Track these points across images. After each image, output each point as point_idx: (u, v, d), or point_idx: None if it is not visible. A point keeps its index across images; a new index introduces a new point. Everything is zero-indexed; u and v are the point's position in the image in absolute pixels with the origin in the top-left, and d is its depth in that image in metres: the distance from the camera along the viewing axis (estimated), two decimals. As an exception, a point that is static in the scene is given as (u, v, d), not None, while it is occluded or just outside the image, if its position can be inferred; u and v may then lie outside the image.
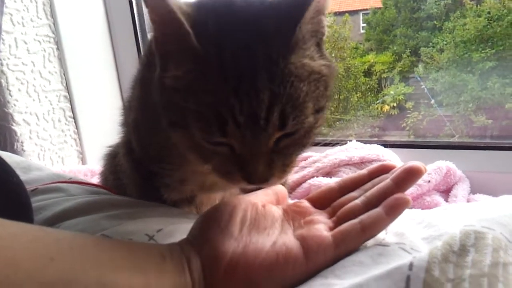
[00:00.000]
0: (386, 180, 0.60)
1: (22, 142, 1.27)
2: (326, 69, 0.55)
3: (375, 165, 0.66)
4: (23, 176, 0.89)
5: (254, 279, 0.52)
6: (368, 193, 0.60)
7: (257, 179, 0.54)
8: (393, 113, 2.26)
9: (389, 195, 0.56)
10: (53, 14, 1.31)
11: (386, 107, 2.29)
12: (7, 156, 0.93)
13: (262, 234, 0.56)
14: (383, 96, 2.35)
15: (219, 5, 0.55)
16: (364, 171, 0.66)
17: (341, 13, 2.62)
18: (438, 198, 0.99)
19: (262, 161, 0.53)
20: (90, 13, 1.42)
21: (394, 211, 0.55)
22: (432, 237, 0.55)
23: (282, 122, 0.51)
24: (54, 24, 1.32)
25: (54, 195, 0.82)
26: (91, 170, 1.31)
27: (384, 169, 0.64)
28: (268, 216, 0.59)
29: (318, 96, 0.54)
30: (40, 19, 1.29)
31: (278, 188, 0.67)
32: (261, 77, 0.49)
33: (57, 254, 0.44)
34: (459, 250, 0.46)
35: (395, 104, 2.26)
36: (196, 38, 0.50)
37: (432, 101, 2.05)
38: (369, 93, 2.43)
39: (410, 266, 0.46)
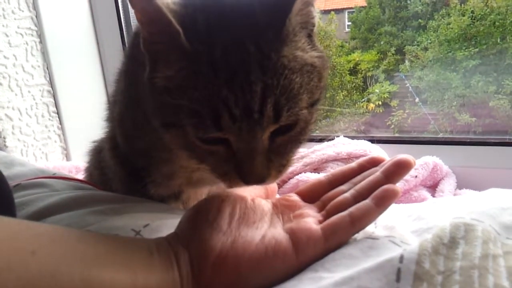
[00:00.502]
0: (375, 173, 0.60)
1: (4, 138, 1.25)
2: (318, 61, 0.55)
3: (364, 158, 0.65)
4: (5, 172, 0.87)
5: (243, 273, 0.51)
6: (358, 186, 0.60)
7: (254, 179, 0.54)
8: (378, 111, 2.27)
9: (378, 187, 0.56)
10: (35, 6, 1.29)
11: (372, 105, 2.30)
12: (-11, 151, 0.91)
13: (251, 228, 0.55)
14: (369, 94, 2.36)
15: (207, 1, 0.55)
16: (353, 164, 0.65)
17: (326, 11, 2.63)
18: (425, 193, 1.00)
19: (259, 160, 0.52)
20: (74, 6, 1.40)
21: (383, 202, 0.54)
22: (421, 230, 0.55)
23: (276, 114, 0.50)
24: (36, 16, 1.30)
25: (38, 191, 0.80)
26: (76, 166, 1.29)
27: (374, 162, 0.63)
28: (257, 210, 0.58)
29: (312, 88, 0.53)
30: (22, 11, 1.27)
31: None
32: (253, 70, 0.49)
33: (39, 247, 0.43)
34: (449, 243, 0.46)
35: (380, 102, 2.27)
36: (185, 36, 0.50)
37: (417, 99, 2.06)
38: (355, 91, 2.44)
39: (401, 258, 0.46)
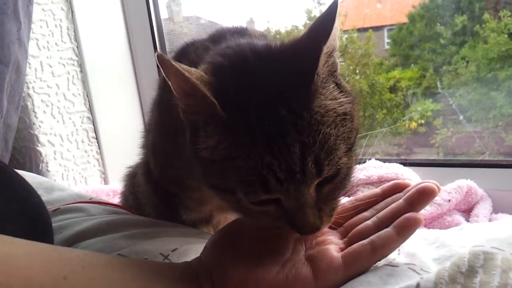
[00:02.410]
0: (398, 201, 0.59)
1: (47, 163, 1.31)
2: (349, 106, 0.55)
3: (389, 183, 0.65)
4: (45, 197, 0.92)
5: None
6: (380, 214, 0.60)
7: (309, 229, 0.53)
8: (421, 130, 2.22)
9: (401, 215, 0.56)
10: (76, 38, 1.36)
11: (414, 124, 2.25)
12: (30, 177, 0.96)
13: (272, 255, 0.56)
14: (410, 112, 2.32)
15: (235, 65, 0.55)
16: (377, 189, 0.65)
17: (364, 29, 2.61)
18: (459, 217, 0.97)
19: (310, 213, 0.52)
20: (112, 36, 1.46)
21: (405, 231, 0.54)
22: (443, 257, 0.55)
23: (318, 169, 0.50)
24: (77, 47, 1.37)
25: (75, 215, 0.84)
26: (113, 190, 1.34)
27: (398, 188, 0.63)
28: (280, 237, 0.58)
29: (348, 134, 0.53)
30: (65, 43, 1.34)
31: None
32: (289, 132, 0.49)
33: (70, 273, 0.45)
34: (467, 271, 0.45)
35: (423, 121, 2.23)
36: (221, 107, 0.50)
37: (461, 117, 2.01)
38: (395, 109, 2.40)
39: (417, 286, 0.45)
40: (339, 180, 0.54)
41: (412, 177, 1.07)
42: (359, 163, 1.13)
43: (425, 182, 0.58)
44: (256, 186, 0.50)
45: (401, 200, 0.59)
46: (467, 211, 1.01)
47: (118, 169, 1.05)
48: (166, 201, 0.82)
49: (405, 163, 1.11)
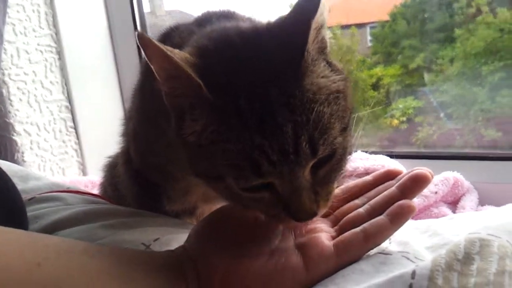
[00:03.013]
0: (391, 188, 0.58)
1: (22, 153, 1.26)
2: (342, 84, 0.52)
3: (380, 171, 0.63)
4: (20, 185, 0.88)
5: None
6: (372, 201, 0.58)
7: (305, 215, 0.50)
8: (402, 127, 2.23)
9: (394, 203, 0.54)
10: (55, 24, 1.31)
11: (396, 121, 2.26)
12: (5, 165, 0.92)
13: (260, 243, 0.54)
14: (392, 110, 2.33)
15: (221, 48, 0.52)
16: (369, 177, 0.64)
17: (347, 26, 2.61)
18: (445, 209, 0.97)
19: (306, 196, 0.49)
20: (92, 24, 1.42)
21: (398, 219, 0.52)
22: (437, 245, 0.53)
23: (312, 149, 0.48)
24: (56, 34, 1.32)
25: (51, 204, 0.80)
26: (92, 181, 1.30)
27: (390, 175, 0.61)
28: (268, 224, 0.56)
29: (342, 113, 0.51)
30: (42, 29, 1.29)
31: None
32: (280, 112, 0.47)
33: (44, 259, 0.43)
34: (464, 258, 0.44)
35: (404, 118, 2.24)
36: (207, 88, 0.48)
37: (442, 114, 2.01)
38: (377, 106, 2.41)
39: (413, 274, 0.44)
40: (335, 161, 0.51)
41: (398, 168, 1.06)
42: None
43: (418, 169, 0.57)
44: (246, 170, 0.47)
45: (393, 188, 0.57)
46: (454, 203, 1.01)
47: (97, 160, 1.02)
48: (147, 191, 0.78)
49: (391, 155, 1.10)
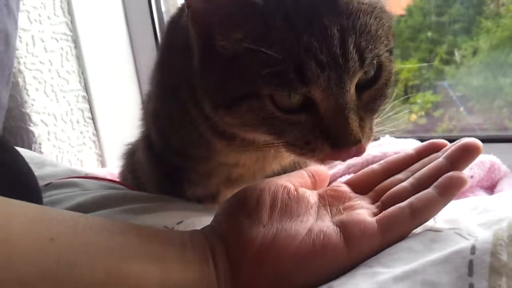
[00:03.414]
0: (438, 159, 0.53)
1: (40, 144, 1.24)
2: (386, 7, 0.51)
3: (423, 143, 0.58)
4: (37, 172, 0.84)
5: (288, 270, 0.46)
6: (418, 174, 0.53)
7: (348, 140, 0.47)
8: (421, 122, 2.18)
9: (442, 175, 0.49)
10: (70, 12, 1.28)
11: (414, 116, 2.22)
12: (21, 151, 0.89)
13: (295, 221, 0.49)
14: (410, 104, 2.28)
15: None
16: (410, 150, 0.59)
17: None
18: (482, 194, 0.91)
19: (352, 117, 0.47)
20: (108, 11, 1.39)
21: (449, 191, 0.48)
22: (491, 222, 0.48)
23: (360, 56, 0.45)
24: (71, 22, 1.29)
25: (69, 190, 0.78)
26: (111, 173, 1.26)
27: (435, 147, 0.56)
28: (301, 201, 0.52)
29: (387, 32, 0.50)
30: (58, 16, 1.26)
31: (317, 169, 0.60)
32: (327, 14, 0.45)
33: (58, 234, 0.39)
34: None
35: (422, 113, 2.19)
36: None
37: (462, 109, 1.96)
38: (395, 101, 2.37)
39: (473, 249, 0.39)
40: (379, 86, 0.49)
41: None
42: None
43: (466, 138, 0.52)
44: (290, 74, 0.45)
45: (441, 159, 0.52)
46: (491, 188, 0.95)
47: (116, 152, 0.99)
48: (168, 176, 0.75)
49: (422, 140, 1.05)
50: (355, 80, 0.47)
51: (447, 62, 2.03)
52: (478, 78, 1.85)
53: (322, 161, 0.51)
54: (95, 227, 0.43)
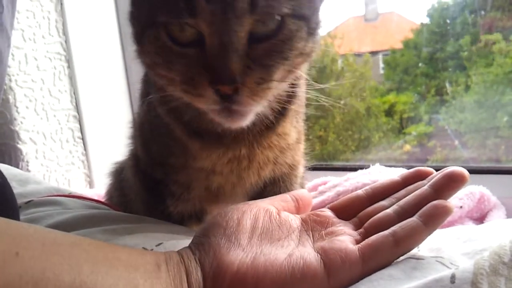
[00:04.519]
0: (423, 187, 0.52)
1: (27, 162, 1.23)
2: None
3: (410, 170, 0.57)
4: (19, 189, 0.84)
5: None
6: (402, 202, 0.52)
7: (223, 77, 0.48)
8: (415, 153, 2.19)
9: (427, 203, 0.49)
10: (65, 32, 1.29)
11: (408, 147, 2.23)
12: (4, 168, 0.88)
13: (275, 245, 0.49)
14: (405, 136, 2.30)
15: None
16: (396, 177, 0.58)
17: (361, 54, 2.62)
18: (472, 225, 0.90)
19: (233, 56, 0.47)
20: (102, 32, 1.40)
21: (433, 220, 0.47)
22: (474, 251, 0.47)
23: (252, 2, 0.46)
24: (65, 42, 1.30)
25: (50, 208, 0.77)
26: (98, 194, 1.25)
27: (421, 175, 0.56)
28: (283, 225, 0.52)
29: None
30: (52, 36, 1.27)
31: (301, 194, 0.60)
32: None
33: (25, 249, 0.37)
34: (511, 262, 0.38)
35: (416, 143, 2.21)
36: None
37: (456, 142, 1.96)
38: (391, 133, 2.39)
39: (452, 278, 0.38)
40: (277, 41, 0.50)
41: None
42: (362, 168, 1.07)
43: (453, 167, 0.51)
44: (180, 4, 0.47)
45: (426, 187, 0.52)
46: (480, 219, 0.95)
47: (104, 172, 0.97)
48: (152, 190, 0.75)
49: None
50: (246, 25, 0.47)
51: (441, 96, 2.05)
52: (472, 114, 1.86)
53: (199, 97, 0.51)
54: (65, 243, 0.41)
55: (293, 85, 0.59)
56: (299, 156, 0.74)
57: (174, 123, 0.65)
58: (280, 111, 0.64)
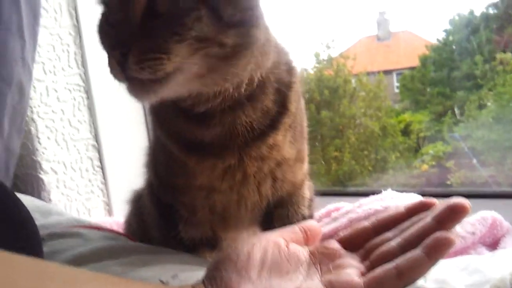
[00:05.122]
0: (426, 219, 0.53)
1: (49, 191, 1.26)
2: None
3: (414, 201, 0.59)
4: (42, 220, 0.87)
5: None
6: (406, 234, 0.54)
7: (115, 43, 0.56)
8: (433, 172, 2.18)
9: (429, 235, 0.50)
10: (84, 64, 1.33)
11: (425, 166, 2.21)
12: (29, 200, 0.91)
13: (284, 279, 0.50)
14: (422, 155, 2.29)
15: None
16: (401, 208, 0.59)
17: (374, 73, 2.63)
18: (484, 252, 0.90)
19: (124, 25, 0.55)
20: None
21: (436, 252, 0.48)
22: (478, 283, 0.48)
23: None
24: (84, 73, 1.34)
25: (70, 240, 0.80)
26: (117, 222, 1.28)
27: (424, 206, 0.57)
28: (292, 258, 0.53)
29: None
30: (71, 68, 1.32)
31: (310, 225, 0.61)
32: None
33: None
34: None
35: (434, 163, 2.19)
36: None
37: (474, 161, 1.95)
38: (407, 152, 2.38)
39: None
40: (169, 18, 0.54)
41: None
42: (374, 193, 1.08)
43: (455, 199, 0.52)
44: None
45: (428, 219, 0.53)
46: (493, 245, 0.94)
47: (123, 200, 1.00)
48: (165, 215, 0.78)
49: (423, 194, 1.05)
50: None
51: (457, 115, 2.05)
52: (490, 131, 1.85)
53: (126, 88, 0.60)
54: (85, 281, 0.43)
55: (280, 95, 0.66)
56: (301, 175, 0.76)
57: (170, 141, 0.69)
58: (270, 124, 0.66)
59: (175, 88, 0.58)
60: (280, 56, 0.69)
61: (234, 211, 0.72)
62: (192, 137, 0.66)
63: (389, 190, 1.08)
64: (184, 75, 0.57)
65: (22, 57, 0.96)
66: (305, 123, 0.75)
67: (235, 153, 0.66)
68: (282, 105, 0.67)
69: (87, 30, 1.33)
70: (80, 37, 1.33)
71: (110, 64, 0.58)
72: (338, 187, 2.30)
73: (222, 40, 0.56)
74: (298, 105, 0.71)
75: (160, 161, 0.75)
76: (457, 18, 2.07)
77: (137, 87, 0.57)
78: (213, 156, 0.66)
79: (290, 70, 0.70)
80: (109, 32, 0.59)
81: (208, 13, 0.54)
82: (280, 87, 0.67)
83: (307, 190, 0.79)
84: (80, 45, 1.33)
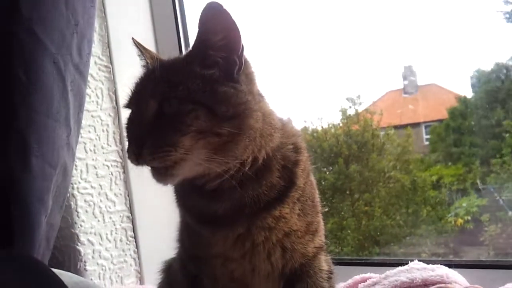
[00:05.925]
0: None
1: (85, 262, 1.32)
2: None
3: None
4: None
5: None
6: None
7: (129, 149, 0.72)
8: (467, 227, 2.13)
9: None
10: (121, 141, 1.43)
11: (460, 221, 2.17)
12: (68, 276, 0.97)
13: None
14: (455, 209, 2.25)
15: None
16: None
17: (402, 126, 2.62)
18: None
19: (136, 128, 0.72)
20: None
21: None
22: None
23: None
24: (121, 150, 1.43)
25: None
26: (148, 290, 1.32)
27: None
28: None
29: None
30: (110, 146, 1.41)
31: None
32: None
33: None
34: None
35: (469, 218, 2.15)
36: None
37: (510, 213, 1.92)
38: (439, 206, 2.34)
39: None
40: (169, 117, 0.68)
41: (459, 280, 1.01)
42: (402, 264, 1.09)
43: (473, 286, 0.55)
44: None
45: None
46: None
47: (154, 269, 1.05)
48: (193, 284, 0.84)
49: (450, 265, 1.05)
50: (151, 107, 0.71)
51: (490, 166, 2.02)
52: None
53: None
54: None
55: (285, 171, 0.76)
56: (313, 247, 0.80)
57: (188, 215, 0.81)
58: (277, 197, 0.74)
59: (185, 171, 0.71)
60: (287, 138, 0.78)
61: (250, 280, 0.78)
62: (206, 210, 0.75)
63: (416, 261, 1.08)
64: (190, 161, 0.68)
65: (68, 142, 1.05)
66: (317, 197, 0.82)
67: (244, 223, 0.74)
68: (290, 180, 0.76)
69: (125, 110, 1.40)
70: (119, 118, 1.42)
71: (128, 152, 0.71)
72: (369, 241, 2.26)
73: (217, 131, 0.67)
74: (307, 180, 0.79)
75: (184, 234, 0.85)
76: (482, 69, 2.08)
77: (156, 173, 0.72)
78: (225, 226, 0.74)
79: (297, 149, 0.79)
80: (130, 128, 0.74)
81: (205, 112, 0.67)
82: (287, 164, 0.76)
83: (324, 263, 0.83)
84: (118, 125, 1.43)
